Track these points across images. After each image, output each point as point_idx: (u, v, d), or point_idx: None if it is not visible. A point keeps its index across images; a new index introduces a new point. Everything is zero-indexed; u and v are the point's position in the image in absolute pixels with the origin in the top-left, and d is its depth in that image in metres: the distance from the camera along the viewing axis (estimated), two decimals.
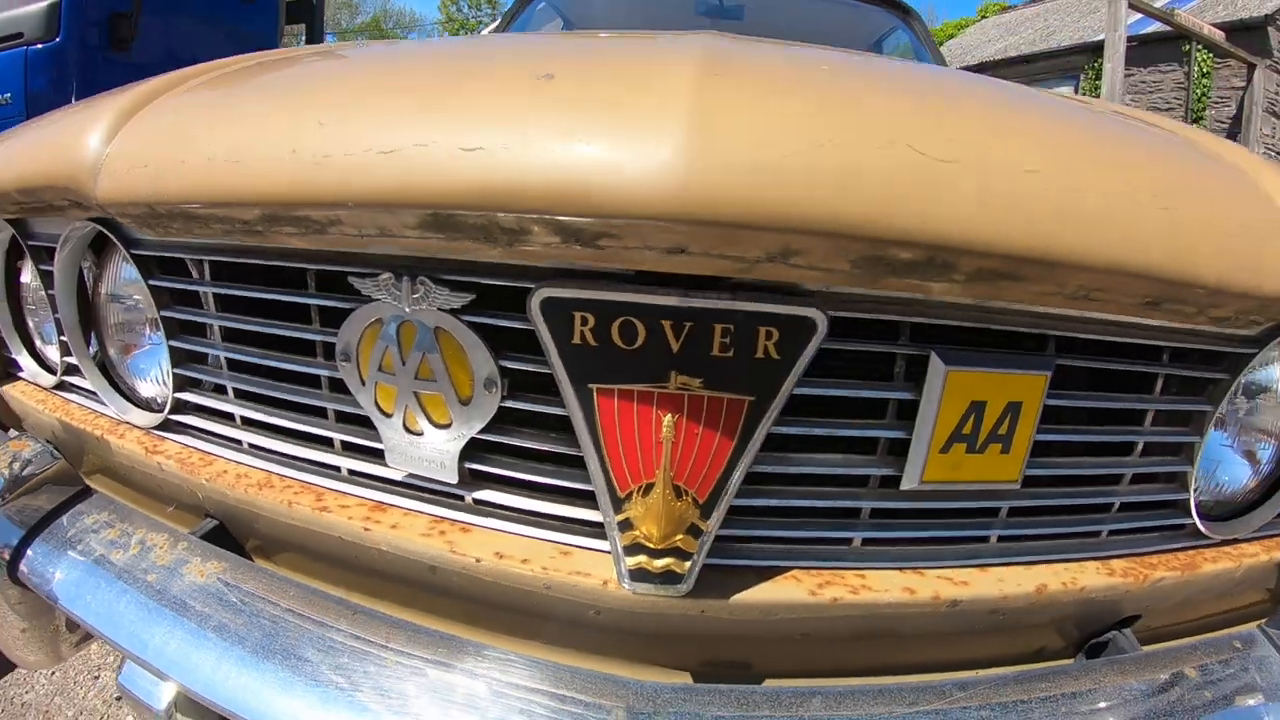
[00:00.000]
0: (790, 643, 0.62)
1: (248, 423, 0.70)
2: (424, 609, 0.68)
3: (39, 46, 3.42)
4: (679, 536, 0.50)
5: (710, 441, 0.48)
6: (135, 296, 0.80)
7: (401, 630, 0.61)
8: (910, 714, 0.56)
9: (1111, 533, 0.74)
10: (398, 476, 0.63)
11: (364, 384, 0.58)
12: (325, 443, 0.66)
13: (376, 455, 0.63)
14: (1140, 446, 0.70)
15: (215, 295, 0.66)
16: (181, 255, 0.67)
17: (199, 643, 0.61)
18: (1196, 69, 10.19)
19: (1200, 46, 9.63)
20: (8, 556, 0.76)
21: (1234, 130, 9.71)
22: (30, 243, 0.85)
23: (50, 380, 0.94)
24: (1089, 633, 0.75)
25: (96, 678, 1.74)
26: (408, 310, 0.53)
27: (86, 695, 1.70)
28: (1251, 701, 0.69)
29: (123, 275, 0.81)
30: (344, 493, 0.67)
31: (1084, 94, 11.82)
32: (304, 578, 0.71)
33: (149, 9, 3.92)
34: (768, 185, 0.38)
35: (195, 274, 0.67)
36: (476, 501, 0.61)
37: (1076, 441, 0.69)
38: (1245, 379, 0.74)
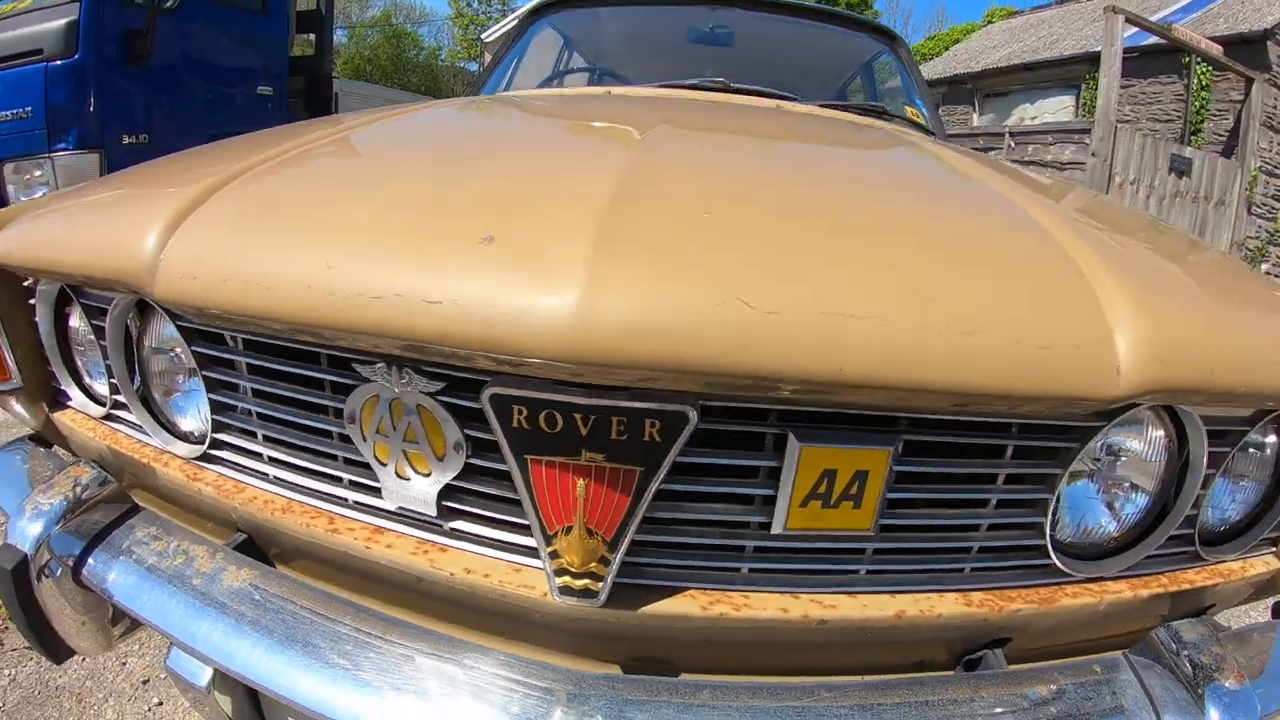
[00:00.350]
0: (698, 645, 0.76)
1: (273, 460, 0.85)
2: (413, 609, 0.81)
3: (58, 63, 3.54)
4: (592, 564, 0.65)
5: (612, 498, 0.63)
6: (176, 350, 0.92)
7: (395, 626, 0.74)
8: (779, 707, 0.68)
9: (974, 569, 0.82)
10: (391, 508, 0.78)
11: (365, 440, 0.73)
12: (335, 480, 0.81)
13: (375, 492, 0.78)
14: (994, 501, 0.79)
15: (247, 363, 0.80)
16: (220, 330, 0.81)
17: (236, 634, 0.74)
18: (1196, 81, 10.23)
19: (1199, 59, 9.69)
20: (71, 564, 0.88)
21: (1231, 143, 9.77)
22: (82, 301, 0.97)
23: (99, 411, 1.04)
24: (965, 649, 0.84)
25: (124, 664, 1.88)
26: (397, 390, 0.69)
27: (115, 679, 1.84)
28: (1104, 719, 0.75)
29: (165, 333, 0.92)
30: (350, 518, 0.81)
31: (1084, 104, 11.83)
32: (318, 582, 0.84)
33: (166, 21, 4.05)
34: (631, 340, 0.54)
35: (230, 343, 0.81)
36: (451, 530, 0.76)
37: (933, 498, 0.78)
38: (1104, 441, 0.82)
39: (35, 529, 0.89)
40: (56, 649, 0.97)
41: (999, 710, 0.72)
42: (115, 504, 0.95)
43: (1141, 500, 0.86)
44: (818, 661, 0.80)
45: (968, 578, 0.81)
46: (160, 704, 1.77)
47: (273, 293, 0.63)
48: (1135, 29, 8.13)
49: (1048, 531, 0.80)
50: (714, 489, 0.69)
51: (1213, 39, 9.42)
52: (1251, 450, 0.91)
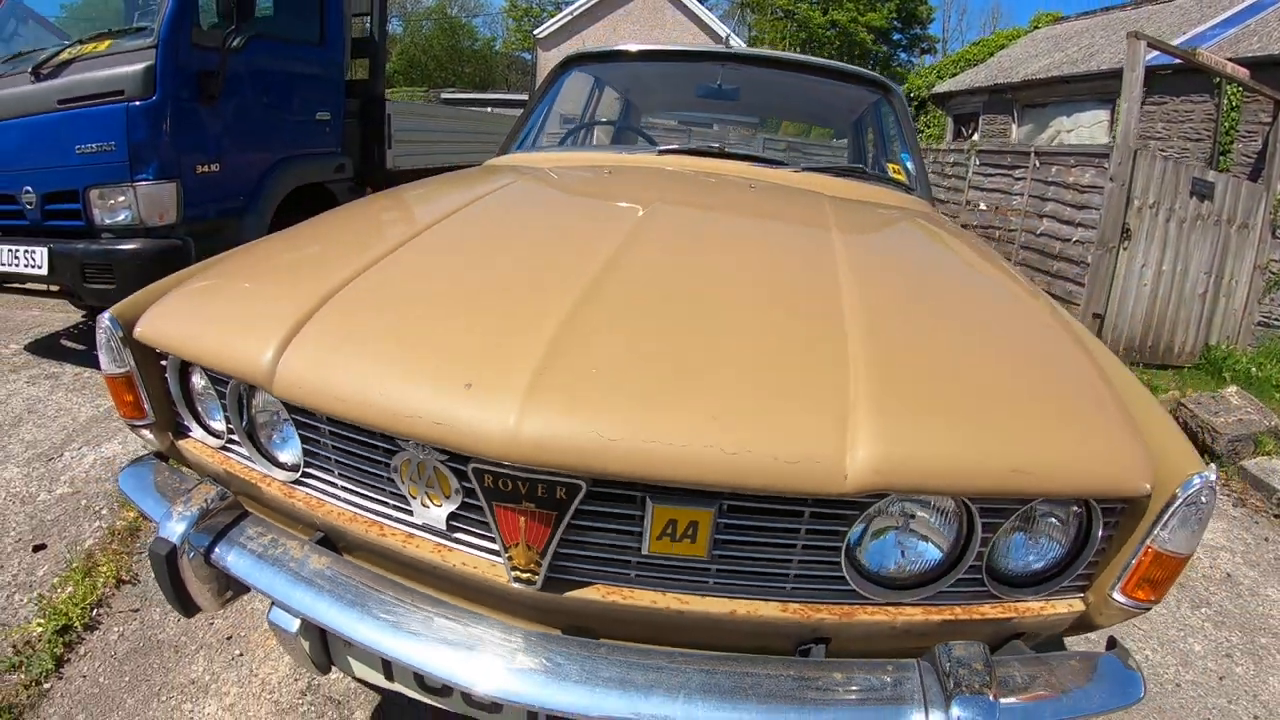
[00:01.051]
0: (606, 620, 1.13)
1: (344, 488, 1.25)
2: (432, 586, 1.16)
3: (138, 103, 3.98)
4: (531, 564, 1.05)
5: (540, 529, 1.02)
6: (278, 411, 1.25)
7: (420, 596, 1.11)
8: (648, 663, 1.00)
9: (794, 587, 1.06)
10: (419, 524, 1.18)
11: (403, 482, 1.14)
12: (384, 503, 1.20)
13: (409, 512, 1.18)
14: (801, 544, 1.02)
15: (329, 430, 1.20)
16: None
17: (318, 598, 1.12)
18: (1226, 102, 10.19)
19: (1229, 80, 9.67)
20: (204, 551, 1.27)
21: (1259, 165, 9.76)
22: (206, 370, 1.29)
23: (215, 443, 1.38)
24: (798, 641, 1.09)
25: (211, 623, 2.27)
26: (421, 456, 1.09)
27: (204, 635, 2.24)
28: (880, 705, 0.96)
29: (269, 398, 1.22)
30: (393, 527, 1.19)
31: (1118, 119, 11.75)
32: (371, 567, 1.19)
33: (233, 59, 4.46)
34: (539, 451, 0.93)
35: (317, 414, 1.21)
36: (455, 538, 1.16)
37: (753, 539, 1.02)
38: (898, 507, 1.03)
39: (180, 528, 1.28)
40: (188, 607, 1.36)
41: (803, 686, 0.98)
42: (231, 510, 1.35)
43: (934, 551, 1.07)
44: (693, 639, 1.10)
45: (789, 592, 1.07)
46: (240, 654, 2.18)
47: (349, 404, 1.05)
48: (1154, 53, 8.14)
49: (844, 567, 1.05)
50: (603, 525, 1.08)
51: (1244, 60, 9.36)
52: (1048, 518, 1.09)
